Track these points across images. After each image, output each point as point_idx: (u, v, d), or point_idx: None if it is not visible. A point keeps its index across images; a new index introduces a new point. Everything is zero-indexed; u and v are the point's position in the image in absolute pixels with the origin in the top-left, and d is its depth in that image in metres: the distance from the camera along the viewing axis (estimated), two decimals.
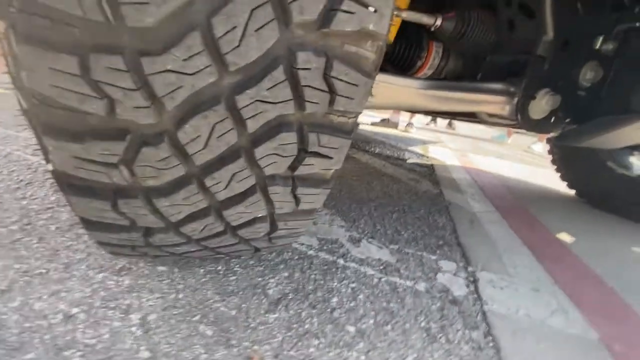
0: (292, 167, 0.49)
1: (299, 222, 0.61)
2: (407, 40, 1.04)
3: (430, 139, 4.46)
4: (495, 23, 0.82)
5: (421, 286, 0.86)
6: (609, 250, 1.38)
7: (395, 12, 0.78)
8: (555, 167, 2.28)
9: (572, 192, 2.24)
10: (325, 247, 0.97)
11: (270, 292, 0.74)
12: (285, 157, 0.47)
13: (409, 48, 1.03)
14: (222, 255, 0.71)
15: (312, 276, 0.82)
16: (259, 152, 0.45)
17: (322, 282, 0.80)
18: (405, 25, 1.11)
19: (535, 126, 0.80)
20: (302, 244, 0.97)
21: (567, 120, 0.83)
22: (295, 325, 0.65)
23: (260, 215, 0.54)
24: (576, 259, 1.21)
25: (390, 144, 3.35)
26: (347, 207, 1.33)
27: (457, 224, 1.35)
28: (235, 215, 0.51)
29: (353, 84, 0.44)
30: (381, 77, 0.82)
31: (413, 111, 0.91)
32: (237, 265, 0.82)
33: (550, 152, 2.31)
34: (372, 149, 2.82)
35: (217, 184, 0.46)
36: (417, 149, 3.31)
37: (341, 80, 0.43)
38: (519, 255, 1.15)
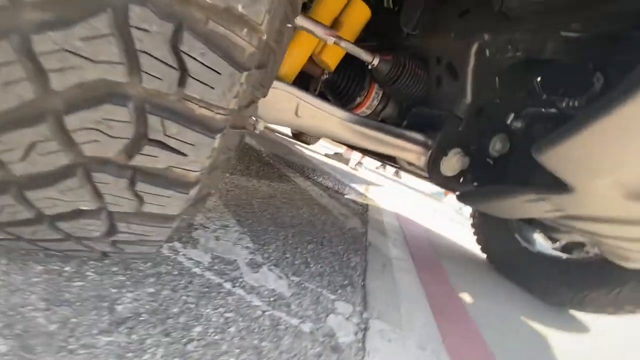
0: (128, 154, 0.40)
1: (149, 228, 0.51)
2: (350, 75, 1.04)
3: (375, 181, 4.62)
4: (425, 77, 0.85)
5: (307, 326, 0.79)
6: (502, 317, 1.45)
7: (335, 40, 0.77)
8: (474, 230, 2.46)
9: (484, 255, 2.41)
10: (216, 267, 0.87)
11: (120, 308, 0.61)
12: (113, 137, 0.38)
13: (351, 82, 1.03)
14: (59, 253, 0.57)
15: (184, 297, 0.71)
16: (72, 121, 0.35)
17: (192, 306, 0.70)
18: (351, 60, 1.13)
19: (444, 182, 0.82)
20: (190, 259, 0.85)
21: (475, 183, 0.87)
22: (129, 355, 0.53)
23: (85, 209, 0.43)
24: (469, 320, 1.24)
25: (335, 176, 3.38)
26: (263, 229, 1.24)
27: (369, 266, 1.33)
28: (45, 200, 0.40)
29: (214, 70, 0.38)
30: (309, 99, 0.79)
31: (335, 140, 0.89)
32: (92, 270, 0.68)
33: (472, 215, 2.49)
34: (315, 177, 2.81)
35: (9, 150, 0.35)
36: (359, 187, 3.38)
37: (196, 59, 0.37)
38: (418, 307, 1.15)
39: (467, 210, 5.90)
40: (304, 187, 2.24)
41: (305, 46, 0.84)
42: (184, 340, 0.60)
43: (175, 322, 0.63)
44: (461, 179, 0.83)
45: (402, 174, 7.25)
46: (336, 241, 1.46)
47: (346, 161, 5.02)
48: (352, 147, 1.42)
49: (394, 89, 0.87)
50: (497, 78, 0.76)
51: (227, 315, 0.71)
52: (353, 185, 3.33)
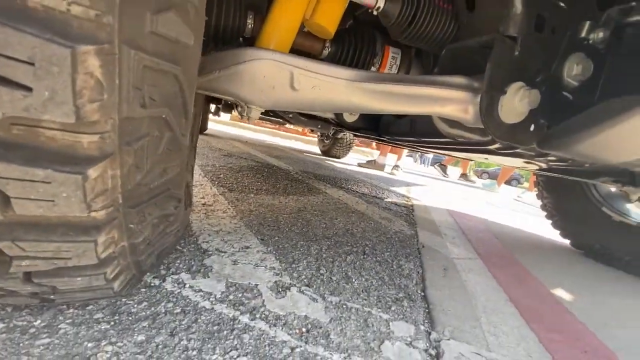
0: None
1: (68, 280, 0.36)
2: (357, 41, 0.87)
3: (416, 182, 4.29)
4: (450, 6, 0.65)
5: None
6: (617, 314, 1.10)
7: None
8: (546, 213, 2.06)
9: (566, 242, 1.99)
10: (231, 297, 0.70)
11: None
12: None
13: (359, 49, 0.85)
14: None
15: (184, 342, 0.54)
16: None
17: (194, 353, 0.52)
18: (354, 24, 0.95)
19: (510, 134, 0.58)
20: (199, 291, 0.69)
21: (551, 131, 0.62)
22: None
23: None
24: (578, 325, 0.93)
25: (371, 182, 3.15)
26: (292, 245, 1.06)
27: (427, 272, 1.08)
28: None
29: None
30: (304, 64, 0.62)
31: (350, 111, 0.70)
32: (69, 321, 0.53)
33: (539, 196, 2.10)
34: (349, 186, 2.61)
35: None
36: (399, 189, 3.10)
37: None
38: (504, 317, 0.87)
39: (526, 197, 5.25)
40: (337, 197, 2.05)
41: (292, 7, 0.69)
42: None
43: None
44: (532, 126, 0.59)
45: (450, 171, 6.77)
46: (381, 248, 1.24)
47: (381, 167, 4.76)
48: (382, 135, 1.20)
49: (412, 36, 0.68)
50: None
51: None
52: (392, 188, 3.07)
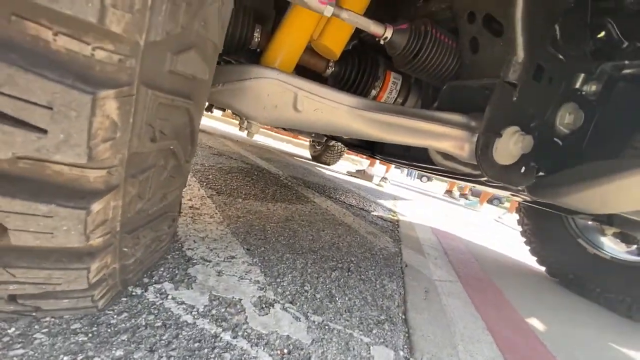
0: None
1: (60, 302, 0.36)
2: (361, 64, 0.88)
3: (403, 195, 4.35)
4: (454, 45, 0.67)
5: None
6: (590, 347, 1.14)
7: (333, 11, 0.61)
8: (525, 239, 2.13)
9: (542, 269, 2.06)
10: (213, 311, 0.69)
11: None
12: None
13: (362, 72, 0.87)
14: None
15: (164, 359, 0.53)
16: None
17: None
18: (360, 46, 0.96)
19: (501, 175, 0.60)
20: (182, 303, 0.68)
21: (541, 174, 0.65)
22: None
23: None
24: (548, 355, 0.96)
25: (359, 193, 3.17)
26: (278, 257, 1.06)
27: (409, 294, 1.09)
28: None
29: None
30: (309, 87, 0.63)
31: (349, 136, 0.71)
32: (44, 330, 0.51)
33: (520, 222, 2.17)
34: (337, 195, 2.62)
35: None
36: (386, 202, 3.14)
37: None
38: (480, 346, 0.89)
39: (506, 219, 5.40)
40: (325, 207, 2.05)
41: (300, 28, 0.69)
42: None
43: None
44: (522, 169, 0.62)
45: (432, 183, 6.90)
46: (365, 265, 1.24)
47: (370, 178, 4.80)
48: (375, 154, 1.22)
49: (416, 68, 0.69)
50: (557, 26, 0.56)
51: None
52: (379, 201, 3.10)
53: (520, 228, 2.17)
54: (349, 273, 1.12)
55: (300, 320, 0.75)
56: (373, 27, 0.65)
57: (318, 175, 3.66)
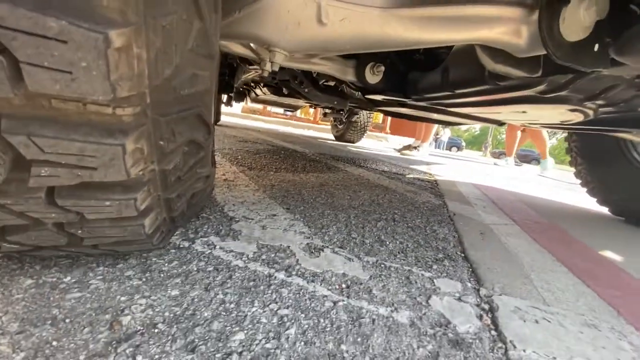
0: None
1: (115, 230, 0.35)
2: None
3: (436, 161, 4.17)
4: None
5: (403, 316, 0.53)
6: None
7: None
8: (581, 181, 1.94)
9: (605, 210, 1.87)
10: (263, 257, 0.66)
11: (126, 320, 0.42)
12: None
13: None
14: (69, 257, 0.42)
15: (220, 297, 0.50)
16: None
17: (232, 306, 0.48)
18: None
19: (572, 55, 0.51)
20: (230, 251, 0.66)
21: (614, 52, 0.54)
22: None
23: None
24: (635, 281, 0.85)
25: (390, 162, 3.07)
26: (319, 213, 1.02)
27: (464, 236, 1.01)
28: None
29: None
30: None
31: (384, 47, 0.63)
32: (99, 277, 0.51)
33: (572, 163, 1.98)
34: (368, 165, 2.54)
35: None
36: (420, 167, 3.01)
37: None
38: (556, 275, 0.80)
39: (553, 173, 5.03)
40: (358, 174, 1.99)
41: None
42: (219, 355, 0.39)
43: (206, 330, 0.42)
44: (596, 46, 0.52)
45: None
46: (411, 216, 1.18)
47: (418, 148, 4.57)
48: (409, 96, 1.10)
49: None
50: None
51: (282, 312, 0.48)
52: (413, 166, 2.98)
53: (573, 169, 1.98)
54: (395, 222, 1.06)
55: (353, 261, 0.71)
56: None
57: (345, 150, 3.59)
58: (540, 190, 2.70)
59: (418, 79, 1.06)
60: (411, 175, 2.32)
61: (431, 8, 0.54)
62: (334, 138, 5.41)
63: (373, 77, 1.11)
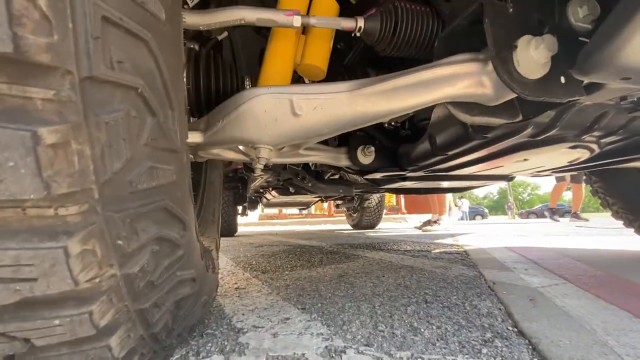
0: None
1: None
2: (350, 73, 0.89)
3: (461, 231, 3.96)
4: (427, 8, 0.66)
5: None
6: None
7: (302, 20, 0.64)
8: (622, 221, 1.76)
9: None
10: None
11: None
12: None
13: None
14: None
15: None
16: None
17: None
18: (346, 70, 0.99)
19: (540, 89, 0.51)
20: None
21: (583, 82, 0.54)
22: None
23: None
24: None
25: (411, 240, 2.92)
26: (338, 308, 0.91)
27: (512, 306, 0.86)
28: None
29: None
30: (301, 89, 0.62)
31: (359, 125, 0.65)
32: None
33: (604, 205, 1.83)
34: (389, 247, 2.42)
35: None
36: (445, 241, 2.84)
37: None
38: (639, 335, 0.64)
39: (593, 221, 4.66)
40: (379, 258, 1.87)
41: (282, 53, 0.73)
42: None
43: None
44: (562, 78, 0.52)
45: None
46: (445, 293, 1.04)
47: (439, 222, 4.40)
48: (405, 169, 1.10)
49: (400, 45, 0.68)
50: None
51: None
52: (437, 241, 2.81)
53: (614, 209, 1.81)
54: (427, 304, 0.93)
55: None
56: (344, 23, 0.67)
57: (363, 237, 3.48)
58: (583, 242, 2.44)
59: (409, 151, 1.08)
60: (437, 250, 2.16)
61: (391, 81, 0.58)
62: (351, 228, 5.34)
63: (365, 158, 1.14)
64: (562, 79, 0.53)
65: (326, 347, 0.65)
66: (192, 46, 0.82)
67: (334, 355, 0.61)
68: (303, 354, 0.62)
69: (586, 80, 0.51)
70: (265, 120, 0.62)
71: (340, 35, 0.92)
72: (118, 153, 0.28)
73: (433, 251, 2.13)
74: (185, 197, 0.40)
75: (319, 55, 0.77)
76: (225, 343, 0.68)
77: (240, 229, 5.92)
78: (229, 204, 4.15)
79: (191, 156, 0.84)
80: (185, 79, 0.67)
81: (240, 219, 5.33)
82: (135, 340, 0.37)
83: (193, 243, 0.45)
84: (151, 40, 0.28)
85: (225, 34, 0.98)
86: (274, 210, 10.72)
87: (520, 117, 0.66)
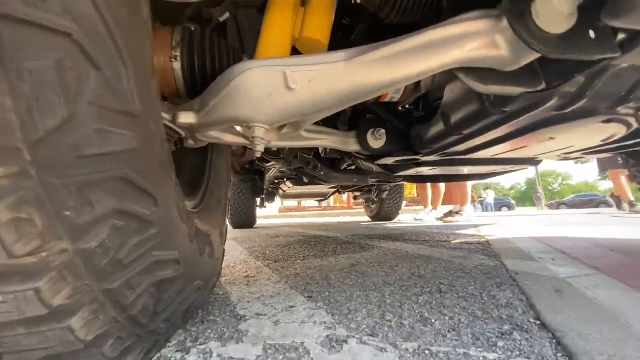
0: None
1: None
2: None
3: (483, 222, 3.80)
4: None
5: None
6: None
7: None
8: None
9: None
10: None
11: None
12: None
13: None
14: None
15: None
16: None
17: None
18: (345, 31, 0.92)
19: (564, 46, 0.43)
20: (229, 358, 0.53)
21: (617, 38, 0.46)
22: None
23: None
24: None
25: (432, 232, 2.82)
26: (346, 297, 0.87)
27: (535, 298, 0.79)
28: None
29: None
30: (294, 60, 0.58)
31: (358, 99, 0.59)
32: None
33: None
34: (407, 238, 2.34)
35: None
36: (467, 231, 2.72)
37: None
38: None
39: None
40: (395, 248, 1.81)
41: (279, 24, 0.68)
42: None
43: None
44: (591, 32, 0.44)
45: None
46: (461, 283, 0.97)
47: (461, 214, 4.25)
48: (418, 152, 1.03)
49: (406, 8, 0.62)
50: None
51: None
52: (458, 232, 2.71)
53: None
54: (442, 294, 0.87)
55: (386, 351, 0.54)
56: None
57: (380, 229, 3.41)
58: (620, 231, 2.26)
59: (421, 133, 1.01)
60: (457, 241, 2.07)
61: (391, 46, 0.52)
62: (370, 220, 5.27)
63: (376, 142, 1.08)
64: (592, 34, 0.46)
65: (327, 336, 0.61)
66: (189, 26, 0.79)
67: (335, 344, 0.57)
68: (302, 343, 0.58)
69: (619, 26, 0.43)
70: (258, 96, 0.58)
71: (346, 10, 0.87)
72: (51, 108, 0.25)
73: (453, 242, 2.04)
74: (156, 170, 0.37)
75: (319, 28, 0.72)
76: (225, 330, 0.66)
77: (260, 222, 5.98)
78: (247, 196, 4.18)
79: (191, 140, 0.82)
80: (176, 56, 0.65)
81: (260, 212, 5.38)
82: (106, 322, 0.35)
83: (173, 222, 0.42)
84: None
85: (227, 15, 0.94)
86: (293, 203, 10.79)
87: (543, 85, 0.58)
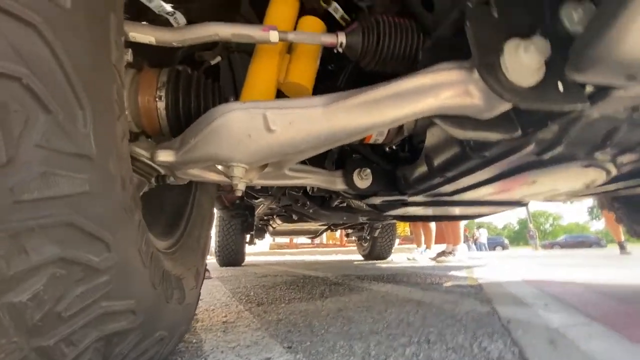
0: None
1: None
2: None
3: (476, 263, 3.74)
4: (408, 21, 0.63)
5: None
6: None
7: (280, 35, 0.62)
8: None
9: None
10: None
11: None
12: None
13: None
14: None
15: None
16: None
17: None
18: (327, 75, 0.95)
19: (534, 97, 0.45)
20: None
21: (585, 90, 0.48)
22: None
23: None
24: None
25: (424, 272, 2.75)
26: (328, 347, 0.81)
27: (527, 349, 0.75)
28: None
29: None
30: (274, 103, 0.59)
31: (338, 142, 0.60)
32: None
33: (630, 232, 1.68)
34: (398, 279, 2.27)
35: None
36: (459, 273, 2.66)
37: None
38: None
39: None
40: (385, 291, 1.74)
41: (264, 70, 0.70)
42: None
43: None
44: (559, 84, 0.46)
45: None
46: (451, 332, 0.92)
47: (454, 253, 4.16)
48: (405, 193, 1.03)
49: (385, 57, 0.64)
50: None
51: None
52: (450, 273, 2.64)
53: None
54: (430, 345, 0.82)
55: None
56: (324, 39, 0.65)
57: (372, 268, 3.32)
58: (620, 274, 2.23)
59: (406, 174, 1.02)
60: (449, 283, 2.01)
61: (369, 93, 0.54)
62: (362, 258, 5.15)
63: (362, 181, 1.08)
64: (560, 86, 0.48)
65: None
66: (177, 68, 0.81)
67: None
68: None
69: (582, 80, 0.45)
70: (238, 136, 0.58)
71: (331, 57, 0.91)
72: None
73: (445, 284, 1.98)
74: (113, 213, 0.35)
75: (303, 74, 0.74)
76: None
77: (250, 258, 5.80)
78: (236, 233, 4.09)
79: (171, 178, 0.80)
80: (160, 95, 0.65)
81: (251, 248, 5.23)
82: None
83: (129, 267, 0.39)
84: (43, 26, 0.25)
85: (219, 58, 0.98)
86: (284, 240, 10.56)
87: (519, 132, 0.60)
